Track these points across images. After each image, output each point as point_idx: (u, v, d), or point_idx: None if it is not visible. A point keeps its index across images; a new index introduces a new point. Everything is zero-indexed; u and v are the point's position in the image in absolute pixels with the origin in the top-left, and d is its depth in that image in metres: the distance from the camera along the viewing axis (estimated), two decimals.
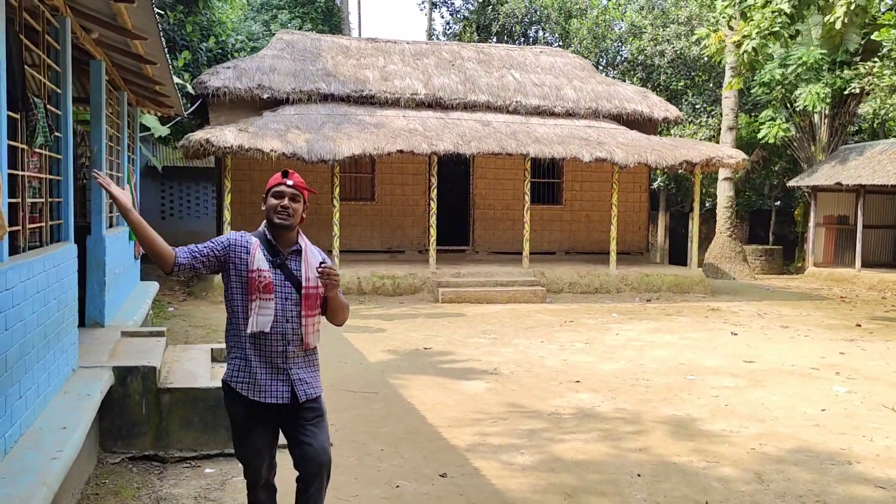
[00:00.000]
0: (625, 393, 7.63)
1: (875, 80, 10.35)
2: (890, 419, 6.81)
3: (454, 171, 17.28)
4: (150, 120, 12.45)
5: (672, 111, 17.96)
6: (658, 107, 17.87)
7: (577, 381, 8.08)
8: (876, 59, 10.97)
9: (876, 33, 10.36)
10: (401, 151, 14.14)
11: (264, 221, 3.64)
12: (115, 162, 8.12)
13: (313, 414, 3.56)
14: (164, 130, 12.47)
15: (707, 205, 26.82)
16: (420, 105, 16.41)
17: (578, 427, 6.40)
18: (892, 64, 10.27)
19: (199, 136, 13.06)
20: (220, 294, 13.45)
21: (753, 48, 11.96)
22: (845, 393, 7.77)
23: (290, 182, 3.58)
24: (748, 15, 12.39)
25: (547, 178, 17.54)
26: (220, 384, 3.72)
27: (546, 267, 15.91)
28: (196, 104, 15.24)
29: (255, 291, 3.44)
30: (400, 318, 12.18)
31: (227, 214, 14.01)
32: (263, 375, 3.48)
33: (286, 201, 3.54)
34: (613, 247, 15.94)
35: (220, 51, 16.81)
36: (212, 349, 6.93)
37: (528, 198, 15.56)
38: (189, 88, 11.90)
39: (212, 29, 16.65)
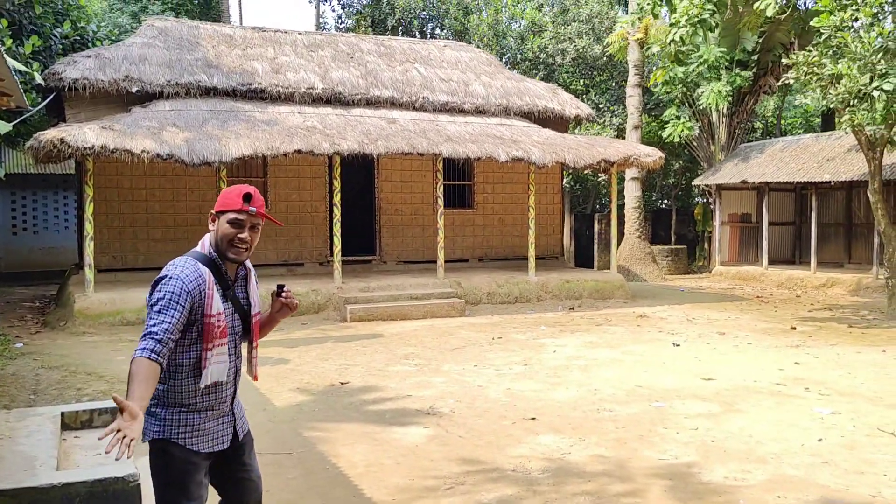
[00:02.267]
0: (592, 431, 6.36)
1: (815, 69, 9.65)
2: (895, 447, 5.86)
3: (356, 174, 15.71)
4: None
5: (583, 109, 17.11)
6: (569, 104, 16.97)
7: (533, 419, 6.76)
8: (810, 49, 10.29)
9: (815, 19, 9.65)
10: (299, 151, 12.45)
11: (207, 241, 3.05)
12: None
13: (248, 445, 3.26)
14: (3, 127, 10.20)
15: (609, 206, 26.42)
16: (317, 101, 14.73)
17: (557, 490, 5.04)
18: (830, 52, 9.60)
19: (51, 135, 10.90)
20: (82, 322, 11.32)
21: (681, 37, 11.11)
22: (830, 415, 6.82)
23: (252, 209, 2.97)
24: (673, 4, 11.54)
25: (456, 180, 16.26)
26: (74, 476, 3.35)
27: (462, 276, 14.61)
28: (48, 98, 12.95)
29: (212, 339, 2.93)
30: (305, 343, 10.51)
31: (88, 227, 11.84)
32: (211, 423, 3.06)
33: (245, 233, 2.99)
34: (532, 252, 14.84)
35: (77, 38, 14.48)
36: (62, 413, 5.12)
37: (441, 201, 14.20)
38: (38, 79, 9.81)
39: (68, 13, 14.32)
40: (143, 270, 13.78)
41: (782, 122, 23.64)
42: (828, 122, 23.54)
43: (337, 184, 13.30)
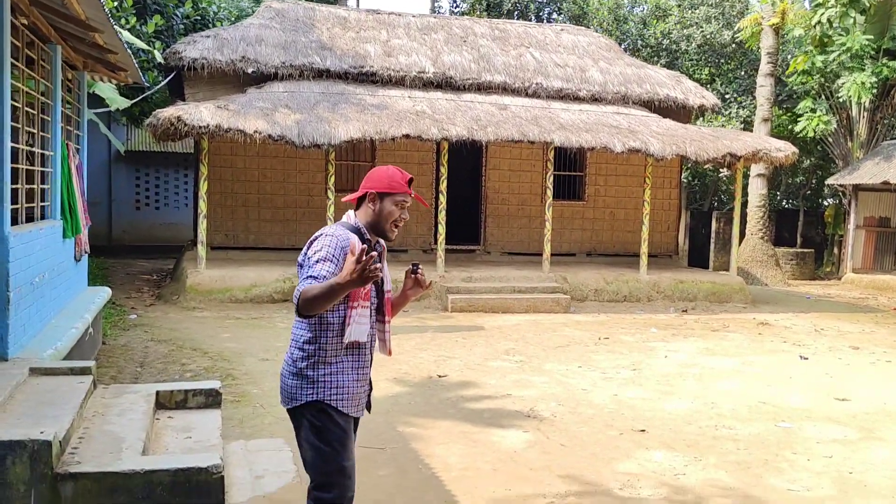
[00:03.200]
0: (709, 450, 5.77)
1: None
2: None
3: (463, 161, 15.36)
4: (105, 90, 10.48)
5: (709, 98, 16.08)
6: (693, 93, 15.99)
7: (642, 431, 6.22)
8: None
9: None
10: (407, 136, 12.22)
11: (353, 216, 3.23)
12: (41, 136, 6.18)
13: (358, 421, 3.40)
14: (122, 102, 10.48)
15: (729, 204, 25.00)
16: (428, 85, 14.47)
17: None
18: None
19: (169, 113, 11.10)
20: (193, 298, 11.54)
21: (828, 19, 10.09)
22: None
23: (412, 193, 3.23)
24: None
25: (567, 170, 15.65)
26: (158, 464, 3.41)
27: (568, 271, 14.04)
28: (169, 77, 13.27)
29: (357, 298, 3.08)
30: (405, 331, 10.29)
31: (202, 205, 12.07)
32: (357, 388, 3.21)
33: (406, 213, 3.24)
34: (644, 249, 14.07)
35: (198, 18, 14.79)
36: (157, 392, 5.03)
37: (550, 192, 13.67)
38: (159, 58, 9.97)
39: None
40: (253, 250, 13.99)
41: None
42: None
43: (444, 170, 13.02)
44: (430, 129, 12.42)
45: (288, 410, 3.20)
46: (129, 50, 6.64)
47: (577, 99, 15.20)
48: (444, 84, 14.57)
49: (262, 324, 10.45)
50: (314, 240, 3.09)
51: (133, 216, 19.53)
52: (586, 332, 10.92)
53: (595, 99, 15.34)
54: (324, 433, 3.12)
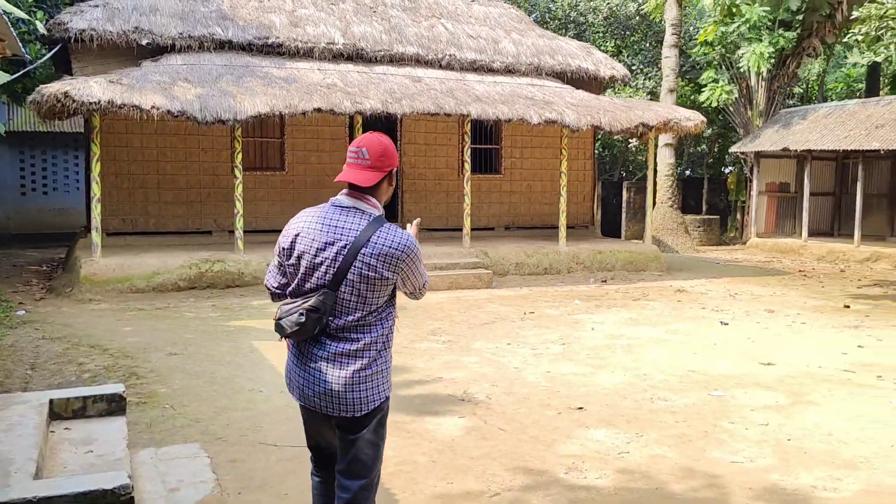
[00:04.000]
0: (649, 425, 5.64)
1: (891, 23, 8.70)
2: None
3: None
4: None
5: (619, 69, 16.13)
6: (604, 64, 15.99)
7: (580, 408, 6.04)
8: (882, 1, 9.30)
9: None
10: (319, 110, 11.65)
11: (376, 203, 2.99)
12: None
13: None
14: (2, 77, 9.45)
15: (638, 174, 25.46)
16: (338, 57, 13.86)
17: (618, 496, 4.34)
18: None
19: (55, 88, 10.14)
20: (88, 289, 10.68)
21: None
22: None
23: None
24: None
25: (483, 143, 15.40)
26: (54, 488, 3.09)
27: (488, 245, 13.84)
28: (54, 50, 12.17)
29: None
30: None
31: (95, 188, 11.15)
32: None
33: None
34: (563, 221, 14.03)
35: None
36: (52, 400, 4.45)
37: (468, 166, 13.39)
38: (41, 29, 9.03)
39: None
40: (155, 235, 13.13)
41: (826, 88, 22.52)
42: (872, 87, 22.38)
43: None
44: (343, 102, 11.88)
45: (355, 419, 2.94)
46: (5, 18, 5.86)
47: (490, 71, 14.93)
48: (355, 56, 14.00)
49: (168, 314, 9.77)
50: (412, 246, 2.95)
51: (19, 202, 18.11)
52: (511, 307, 10.74)
53: (509, 70, 15.11)
54: (385, 427, 3.10)
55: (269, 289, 3.14)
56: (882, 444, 5.27)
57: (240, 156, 11.90)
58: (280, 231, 3.13)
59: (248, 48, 13.28)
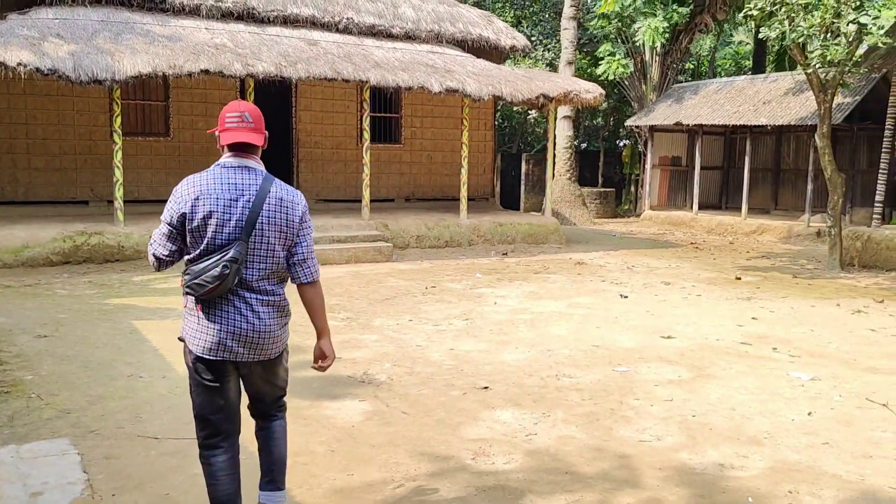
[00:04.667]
0: (556, 404, 5.49)
1: None
2: (894, 424, 5.23)
3: (271, 101, 14.14)
4: None
5: (520, 39, 15.96)
6: (505, 34, 15.78)
7: (485, 388, 5.83)
8: None
9: None
10: (206, 72, 10.89)
11: (260, 163, 3.29)
12: None
13: None
14: None
15: (536, 146, 25.59)
16: (227, 16, 13.01)
17: (528, 482, 4.14)
18: None
19: None
20: None
21: None
22: (811, 382, 6.18)
23: None
24: None
25: (381, 112, 14.94)
26: None
27: (388, 217, 13.47)
28: None
29: None
30: None
31: None
32: None
33: None
34: (464, 193, 13.83)
35: None
36: None
37: (367, 134, 12.91)
38: None
39: None
40: (24, 204, 12.04)
41: (716, 63, 23.22)
42: (759, 64, 23.23)
43: None
44: (233, 64, 11.15)
45: (276, 357, 3.32)
46: None
47: (390, 36, 14.44)
48: (246, 16, 13.19)
49: (39, 292, 8.92)
50: (303, 198, 3.29)
51: None
52: (412, 281, 10.45)
53: (409, 37, 14.66)
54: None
55: (158, 258, 3.20)
56: (783, 418, 5.31)
57: (119, 120, 10.99)
58: (164, 200, 3.08)
59: (127, 3, 12.28)
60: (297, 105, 14.23)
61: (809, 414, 5.40)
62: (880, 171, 12.09)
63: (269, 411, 3.49)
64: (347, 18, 13.98)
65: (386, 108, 15.05)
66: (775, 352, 7.11)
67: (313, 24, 13.70)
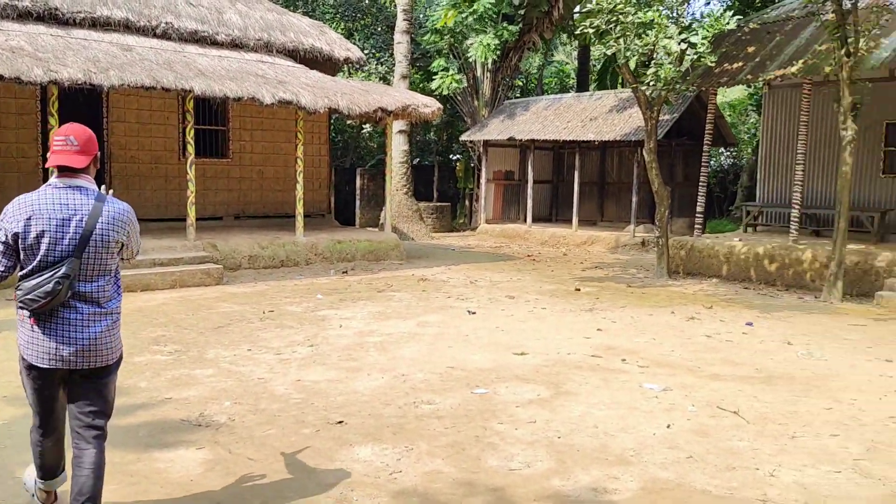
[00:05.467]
0: (417, 435, 5.10)
1: (621, 17, 9.07)
2: (747, 431, 5.32)
3: (79, 112, 12.75)
4: None
5: (354, 51, 15.57)
6: (338, 45, 15.33)
7: (340, 422, 5.33)
8: None
9: None
10: (0, 78, 9.54)
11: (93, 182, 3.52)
12: None
13: None
14: None
15: (369, 160, 25.25)
16: (25, 16, 11.60)
17: None
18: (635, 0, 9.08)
19: None
20: None
21: None
22: (663, 392, 6.23)
23: None
24: None
25: (207, 124, 13.95)
26: None
27: (217, 237, 12.55)
28: None
29: None
30: (7, 327, 8.00)
31: None
32: None
33: None
34: (300, 209, 13.18)
35: None
36: None
37: (192, 148, 11.93)
38: None
39: None
40: None
41: (544, 81, 24.03)
42: (583, 82, 24.33)
43: (53, 122, 10.49)
44: (33, 69, 9.87)
45: (108, 366, 3.48)
46: None
47: (214, 44, 13.56)
48: (48, 17, 11.84)
49: None
50: (132, 211, 3.54)
51: None
52: (247, 305, 9.69)
53: (235, 45, 13.84)
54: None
55: None
56: (644, 433, 5.24)
57: None
58: None
59: None
60: (110, 116, 12.95)
61: (669, 426, 5.37)
62: (700, 183, 12.83)
63: (92, 425, 3.47)
64: (166, 23, 12.93)
65: (212, 120, 14.08)
66: (625, 363, 7.15)
67: (127, 27, 12.55)
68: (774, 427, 5.37)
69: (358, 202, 21.59)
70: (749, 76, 11.43)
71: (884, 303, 10.04)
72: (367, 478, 4.39)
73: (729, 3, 19.89)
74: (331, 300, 10.21)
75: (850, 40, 9.09)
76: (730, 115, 25.24)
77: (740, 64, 11.63)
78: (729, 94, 26.90)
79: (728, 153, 25.57)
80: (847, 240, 10.40)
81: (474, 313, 9.48)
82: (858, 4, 9.17)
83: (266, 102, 11.85)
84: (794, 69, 10.47)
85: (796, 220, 11.80)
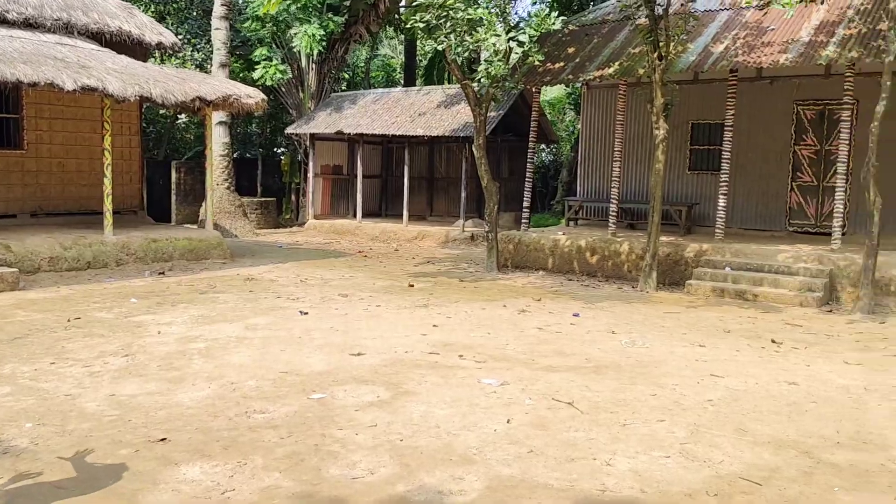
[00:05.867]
0: (251, 448, 4.75)
1: (451, 12, 9.06)
2: (582, 422, 5.45)
3: None
4: None
5: (167, 36, 14.54)
6: (149, 29, 14.25)
7: (163, 440, 4.85)
8: None
9: None
10: None
11: None
12: None
13: None
14: None
15: (185, 152, 23.86)
16: None
17: None
18: None
19: None
20: None
21: None
22: (501, 387, 6.26)
23: None
24: None
25: None
26: None
27: (10, 237, 11.24)
28: None
29: None
30: None
31: None
32: None
33: None
34: (109, 205, 12.12)
35: None
36: None
37: None
38: None
39: None
40: None
41: (371, 74, 23.81)
42: (410, 77, 24.38)
43: None
44: None
45: None
46: None
47: (4, 22, 12.09)
48: None
49: None
50: None
51: None
52: (49, 313, 8.72)
53: (29, 24, 12.46)
54: None
55: None
56: (486, 429, 5.21)
57: None
58: None
59: None
60: None
61: (508, 422, 5.38)
62: (526, 178, 13.21)
63: None
64: None
65: (1, 107, 12.58)
66: (462, 359, 7.13)
67: None
68: (606, 416, 5.54)
69: (174, 197, 20.30)
70: (570, 76, 11.91)
71: (693, 291, 10.83)
72: (197, 499, 4.00)
73: (548, 4, 20.76)
74: (147, 304, 9.43)
75: (661, 44, 9.70)
76: (549, 113, 26.36)
77: (562, 64, 12.10)
78: (549, 93, 28.10)
79: (549, 150, 26.73)
80: (659, 232, 11.11)
81: (306, 314, 9.12)
82: (669, 10, 9.81)
83: (67, 89, 10.73)
84: (610, 71, 11.02)
85: (614, 214, 12.46)
